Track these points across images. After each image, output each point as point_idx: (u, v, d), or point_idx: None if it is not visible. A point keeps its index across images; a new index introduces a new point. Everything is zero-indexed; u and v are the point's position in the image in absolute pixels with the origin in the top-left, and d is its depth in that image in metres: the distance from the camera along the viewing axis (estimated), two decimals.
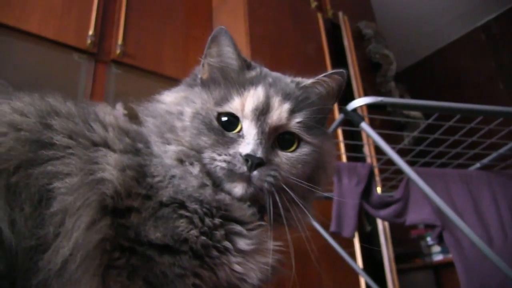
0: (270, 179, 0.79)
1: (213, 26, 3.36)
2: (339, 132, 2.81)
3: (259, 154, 0.78)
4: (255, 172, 0.78)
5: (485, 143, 2.04)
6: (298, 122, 0.85)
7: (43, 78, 2.53)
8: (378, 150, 2.92)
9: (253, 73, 0.91)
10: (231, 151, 0.79)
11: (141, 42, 2.87)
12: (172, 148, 0.83)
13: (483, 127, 1.88)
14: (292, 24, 3.48)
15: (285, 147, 0.85)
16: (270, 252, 0.80)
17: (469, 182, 1.98)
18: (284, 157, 0.83)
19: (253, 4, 3.19)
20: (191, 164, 0.81)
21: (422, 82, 5.31)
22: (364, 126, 1.56)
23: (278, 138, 0.85)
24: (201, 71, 0.93)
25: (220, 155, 0.80)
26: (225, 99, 0.85)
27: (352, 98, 3.33)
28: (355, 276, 2.73)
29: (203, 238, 0.75)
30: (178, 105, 0.88)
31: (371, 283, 2.14)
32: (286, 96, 0.86)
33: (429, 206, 1.85)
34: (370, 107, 1.85)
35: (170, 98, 0.92)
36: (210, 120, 0.83)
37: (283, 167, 0.82)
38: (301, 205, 0.83)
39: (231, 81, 0.88)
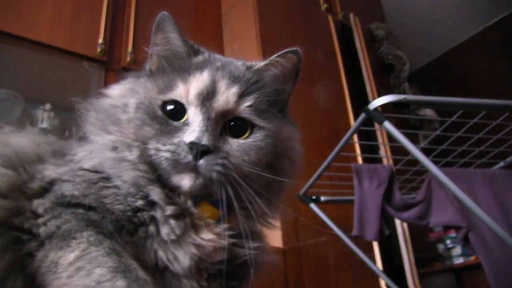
0: (219, 167, 0.74)
1: (223, 32, 3.36)
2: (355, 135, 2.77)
3: (205, 141, 0.74)
4: (201, 161, 0.74)
5: (510, 141, 1.99)
6: (248, 106, 0.81)
7: (54, 88, 2.54)
8: (394, 151, 2.87)
9: (200, 58, 0.88)
10: (175, 140, 0.76)
11: None
12: (111, 138, 0.81)
13: (508, 123, 1.83)
14: (302, 27, 3.45)
15: (237, 134, 0.81)
16: (208, 244, 0.76)
17: (494, 182, 1.92)
18: (235, 144, 0.79)
19: (262, 8, 3.16)
20: (129, 151, 0.78)
21: (435, 83, 5.26)
22: (387, 125, 1.51)
23: (229, 125, 0.81)
24: (149, 61, 0.91)
25: (164, 145, 0.76)
26: (169, 87, 0.82)
27: (365, 100, 3.32)
28: (375, 281, 2.68)
29: (129, 214, 0.73)
30: (123, 97, 0.86)
31: (393, 286, 2.09)
32: (234, 79, 0.82)
33: (453, 207, 1.81)
34: (385, 106, 1.80)
35: (115, 91, 0.90)
36: (153, 109, 0.80)
37: (234, 154, 0.78)
38: (253, 196, 0.78)
39: (176, 67, 0.85)
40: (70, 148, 0.85)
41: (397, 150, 2.67)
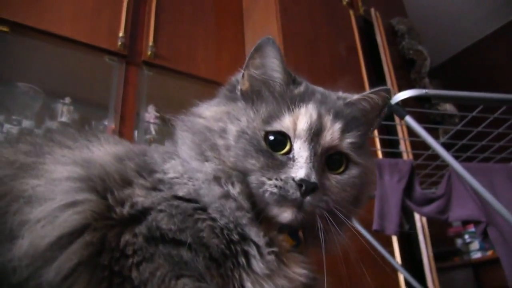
0: (323, 204, 0.75)
1: (245, 26, 3.36)
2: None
3: (313, 179, 0.73)
4: (308, 198, 0.73)
5: None
6: (350, 143, 0.81)
7: (75, 81, 2.56)
8: (414, 146, 2.87)
9: (301, 89, 0.85)
10: (283, 176, 0.74)
11: (172, 43, 2.87)
12: (211, 166, 0.78)
13: None
14: (324, 21, 3.46)
15: (333, 167, 0.81)
16: (298, 277, 0.76)
17: None
18: (334, 180, 0.79)
19: (284, 2, 3.17)
20: (232, 184, 0.77)
21: (458, 77, 5.22)
22: (409, 120, 1.52)
23: (326, 158, 0.80)
24: (241, 82, 0.87)
25: (270, 179, 0.75)
26: (274, 117, 0.80)
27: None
28: (394, 276, 2.68)
29: (223, 247, 0.72)
30: (219, 121, 0.82)
31: (411, 279, 2.10)
32: (336, 115, 0.82)
33: (472, 202, 1.82)
34: (407, 101, 1.81)
35: (210, 112, 0.85)
36: (258, 141, 0.78)
37: (334, 190, 0.79)
38: (348, 225, 0.81)
39: (279, 96, 0.82)
40: (154, 162, 0.83)
41: (417, 144, 2.67)
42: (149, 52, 2.68)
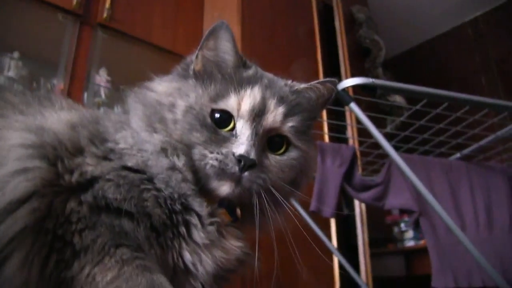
0: (260, 181, 0.79)
1: (205, 0, 3.31)
2: (324, 111, 2.81)
3: (253, 155, 0.78)
4: (246, 173, 0.78)
5: (468, 133, 2.06)
6: (291, 126, 0.86)
7: (25, 36, 2.44)
8: (361, 133, 2.93)
9: (250, 72, 0.90)
10: (224, 150, 0.78)
11: (130, 8, 2.79)
12: (159, 137, 0.82)
13: (468, 117, 1.90)
14: (285, 2, 3.43)
15: (274, 149, 0.85)
16: (235, 249, 0.82)
17: (449, 171, 2.02)
18: (273, 159, 0.84)
19: None
20: (177, 156, 0.81)
21: (408, 72, 5.30)
22: (353, 106, 1.56)
23: (268, 140, 0.85)
24: (195, 62, 0.91)
25: (212, 152, 0.78)
26: (220, 96, 0.84)
27: (340, 81, 3.35)
28: (329, 257, 2.75)
29: (165, 217, 0.76)
30: (170, 96, 0.86)
31: (345, 263, 2.17)
32: (281, 100, 0.86)
33: (408, 192, 1.89)
34: (357, 89, 1.85)
35: (161, 87, 0.89)
36: (203, 116, 0.82)
37: (272, 169, 0.83)
38: (285, 206, 0.84)
39: (228, 77, 0.86)
40: (107, 131, 0.84)
41: (363, 132, 2.73)
42: (105, 15, 2.60)
